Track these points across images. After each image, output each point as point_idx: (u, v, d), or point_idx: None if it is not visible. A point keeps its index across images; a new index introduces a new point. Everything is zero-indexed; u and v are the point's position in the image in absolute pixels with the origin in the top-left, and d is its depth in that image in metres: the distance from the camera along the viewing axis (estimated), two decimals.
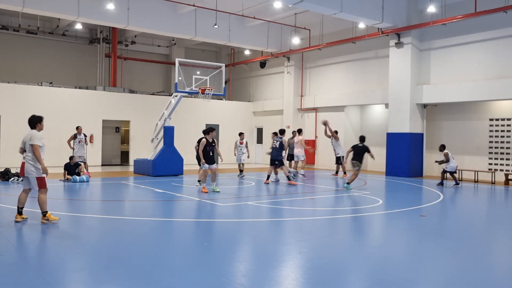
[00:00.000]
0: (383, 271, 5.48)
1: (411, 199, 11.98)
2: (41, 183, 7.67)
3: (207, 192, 11.82)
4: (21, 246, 6.17)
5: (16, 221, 7.73)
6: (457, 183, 14.83)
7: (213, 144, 12.13)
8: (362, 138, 13.50)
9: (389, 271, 5.50)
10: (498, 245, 7.22)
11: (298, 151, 16.19)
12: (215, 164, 12.42)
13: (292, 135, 17.17)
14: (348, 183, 13.24)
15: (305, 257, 5.97)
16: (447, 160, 14.76)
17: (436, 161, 15.37)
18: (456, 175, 15.34)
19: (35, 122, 7.76)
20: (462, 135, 17.72)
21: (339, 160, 17.34)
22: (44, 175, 7.67)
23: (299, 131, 16.70)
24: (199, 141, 14.34)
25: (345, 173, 17.20)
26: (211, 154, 12.04)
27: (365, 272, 5.49)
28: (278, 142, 14.63)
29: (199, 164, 14.00)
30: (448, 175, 15.04)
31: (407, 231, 7.90)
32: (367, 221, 8.84)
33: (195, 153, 14.54)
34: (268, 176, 14.61)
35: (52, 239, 6.74)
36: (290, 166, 16.63)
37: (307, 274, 5.31)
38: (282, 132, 15.05)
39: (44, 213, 7.72)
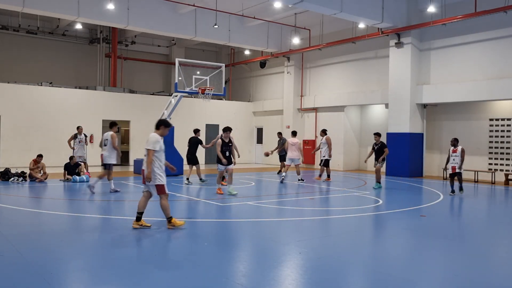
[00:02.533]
0: (383, 271, 5.48)
1: (411, 199, 11.98)
2: (161, 189, 7.32)
3: (222, 194, 11.54)
4: (21, 246, 6.16)
5: (133, 227, 7.35)
6: (461, 189, 12.56)
7: (230, 144, 11.78)
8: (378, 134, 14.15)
9: (389, 271, 5.50)
10: (498, 245, 7.22)
11: (296, 154, 15.43)
12: (231, 165, 11.78)
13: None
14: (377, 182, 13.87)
15: (305, 257, 5.97)
16: (463, 159, 12.17)
17: (455, 169, 12.21)
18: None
19: (159, 124, 7.48)
20: (462, 135, 17.68)
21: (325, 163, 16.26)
22: (162, 183, 7.32)
23: (294, 133, 16.27)
24: (190, 141, 14.67)
25: (328, 176, 16.08)
26: (227, 154, 11.63)
27: (365, 272, 5.49)
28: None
29: (190, 164, 14.33)
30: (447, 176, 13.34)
31: (407, 231, 7.89)
32: (367, 221, 8.83)
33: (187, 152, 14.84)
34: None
35: (52, 239, 6.73)
36: (283, 166, 16.46)
37: (307, 274, 5.31)
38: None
39: (169, 219, 7.42)
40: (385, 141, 18.88)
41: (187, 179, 13.98)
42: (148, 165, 7.22)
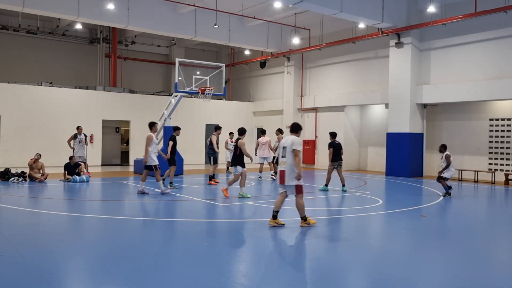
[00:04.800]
0: (383, 271, 5.48)
1: (411, 199, 11.97)
2: (299, 189, 7.56)
3: (228, 197, 11.08)
4: (21, 246, 6.16)
5: (270, 225, 7.63)
6: (448, 193, 12.16)
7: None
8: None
9: (389, 271, 5.50)
10: (498, 245, 7.22)
11: (267, 153, 15.79)
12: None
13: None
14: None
15: (305, 257, 5.97)
16: (448, 164, 12.07)
17: (440, 176, 12.21)
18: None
19: (298, 128, 7.78)
20: (462, 135, 17.72)
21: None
22: (301, 183, 7.56)
23: (263, 132, 16.63)
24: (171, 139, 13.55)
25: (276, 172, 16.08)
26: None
27: (365, 272, 5.49)
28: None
29: (170, 164, 13.17)
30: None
31: (407, 231, 7.89)
32: (367, 221, 8.83)
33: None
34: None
35: (52, 239, 6.74)
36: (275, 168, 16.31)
37: (307, 274, 5.31)
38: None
39: (304, 218, 7.68)
40: (385, 141, 18.94)
41: (171, 183, 13.21)
42: (298, 166, 7.46)
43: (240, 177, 10.98)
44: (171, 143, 13.00)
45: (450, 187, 12.22)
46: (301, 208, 7.65)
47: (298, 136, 7.71)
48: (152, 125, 11.80)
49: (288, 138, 7.65)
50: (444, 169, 12.08)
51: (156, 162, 11.45)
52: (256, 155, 16.13)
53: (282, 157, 7.60)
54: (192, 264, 5.56)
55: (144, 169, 11.48)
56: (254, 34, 22.10)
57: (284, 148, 7.59)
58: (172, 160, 12.95)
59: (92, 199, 11.38)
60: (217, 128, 14.51)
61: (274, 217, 7.68)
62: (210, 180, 14.26)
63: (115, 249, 6.27)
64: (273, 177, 15.84)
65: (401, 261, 6.07)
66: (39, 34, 23.40)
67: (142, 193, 11.42)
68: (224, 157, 17.33)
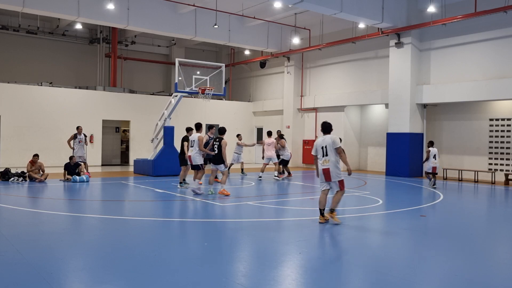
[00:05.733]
0: (383, 271, 5.48)
1: (411, 199, 11.98)
2: (343, 185, 8.10)
3: (229, 194, 11.41)
4: (21, 246, 6.16)
5: (320, 222, 8.02)
6: (434, 184, 14.04)
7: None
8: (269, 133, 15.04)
9: (389, 271, 5.50)
10: (498, 245, 7.22)
11: (272, 153, 16.10)
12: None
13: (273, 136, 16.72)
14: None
15: (305, 257, 5.97)
16: (426, 159, 14.21)
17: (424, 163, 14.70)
18: (434, 175, 14.25)
19: (331, 128, 8.34)
20: (462, 135, 17.72)
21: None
22: (342, 178, 8.08)
23: (269, 133, 16.75)
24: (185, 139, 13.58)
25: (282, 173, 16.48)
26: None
27: (365, 272, 5.49)
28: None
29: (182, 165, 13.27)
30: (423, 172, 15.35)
31: (407, 231, 7.89)
32: (367, 221, 8.83)
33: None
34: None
35: (52, 239, 6.74)
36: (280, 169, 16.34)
37: (307, 274, 5.31)
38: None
39: (332, 210, 8.08)
40: (385, 141, 18.93)
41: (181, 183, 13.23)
42: (346, 161, 8.12)
43: (227, 173, 11.81)
44: (185, 143, 13.12)
45: (430, 179, 14.24)
46: (337, 202, 8.12)
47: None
48: (199, 127, 12.01)
49: (326, 138, 8.15)
50: (423, 162, 14.60)
51: (201, 162, 11.78)
52: (263, 156, 16.45)
53: (324, 156, 8.05)
54: (192, 264, 5.56)
55: (192, 168, 11.94)
56: (254, 34, 22.10)
57: (323, 147, 8.06)
58: (184, 160, 13.00)
59: (92, 199, 11.38)
60: (210, 127, 13.91)
61: (322, 214, 8.11)
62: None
63: (115, 249, 6.27)
64: (277, 177, 15.88)
65: (400, 261, 6.07)
66: (39, 34, 23.40)
67: (196, 193, 11.41)
68: (235, 158, 17.12)
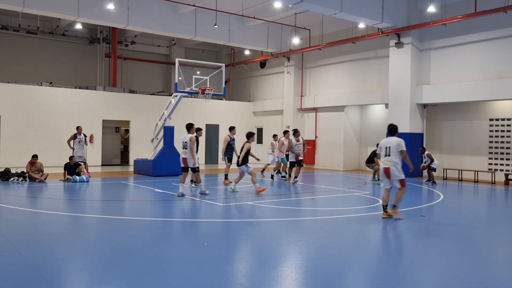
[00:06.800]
0: (383, 271, 5.48)
1: (411, 199, 11.96)
2: (403, 183, 8.59)
3: (265, 189, 12.17)
4: (21, 246, 6.16)
5: (383, 217, 8.59)
6: (434, 182, 15.30)
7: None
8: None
9: (389, 271, 5.50)
10: (498, 245, 7.22)
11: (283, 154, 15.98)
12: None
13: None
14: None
15: (305, 257, 5.97)
16: (432, 160, 15.48)
17: (424, 166, 15.61)
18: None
19: (396, 129, 8.78)
20: (462, 135, 17.72)
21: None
22: (403, 177, 8.55)
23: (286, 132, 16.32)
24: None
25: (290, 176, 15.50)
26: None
27: (365, 272, 5.49)
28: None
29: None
30: (425, 171, 15.94)
31: (407, 231, 7.90)
32: (367, 221, 8.83)
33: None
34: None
35: (52, 239, 6.74)
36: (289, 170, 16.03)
37: (307, 274, 5.31)
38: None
39: (394, 206, 8.61)
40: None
41: (193, 181, 13.30)
42: (409, 161, 8.61)
43: (254, 173, 12.06)
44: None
45: (434, 182, 15.32)
46: (399, 199, 8.62)
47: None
48: (190, 127, 11.58)
49: (391, 139, 8.61)
50: (430, 163, 15.49)
51: (197, 165, 11.44)
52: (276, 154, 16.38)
53: (386, 156, 8.56)
54: (192, 264, 5.56)
55: (191, 171, 11.44)
56: (254, 34, 22.10)
57: (387, 148, 8.55)
58: None
59: (92, 199, 11.38)
60: (231, 128, 14.65)
61: (385, 210, 8.65)
62: (225, 179, 14.51)
63: (115, 249, 6.27)
64: (284, 177, 15.72)
65: (401, 261, 6.07)
66: (39, 34, 23.39)
67: (204, 193, 11.44)
68: (270, 159, 17.08)
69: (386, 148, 8.60)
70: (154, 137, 17.80)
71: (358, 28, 19.78)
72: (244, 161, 12.12)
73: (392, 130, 8.80)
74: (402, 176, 8.53)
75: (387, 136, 8.86)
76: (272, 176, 16.04)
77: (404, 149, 8.52)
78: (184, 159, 11.19)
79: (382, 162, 8.61)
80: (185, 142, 11.23)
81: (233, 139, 14.47)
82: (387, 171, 8.53)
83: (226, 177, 14.57)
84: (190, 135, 11.35)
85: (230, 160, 14.53)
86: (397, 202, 8.64)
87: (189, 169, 11.29)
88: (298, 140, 14.86)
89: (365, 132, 21.82)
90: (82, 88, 21.92)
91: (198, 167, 11.40)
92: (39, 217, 8.65)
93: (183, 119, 22.05)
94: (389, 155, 8.52)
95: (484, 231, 8.28)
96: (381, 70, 19.64)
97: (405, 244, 7.03)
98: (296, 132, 15.01)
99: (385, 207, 8.65)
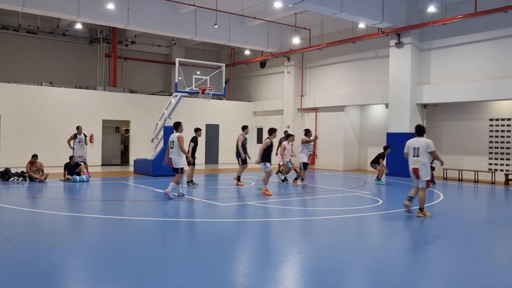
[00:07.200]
0: (383, 271, 5.48)
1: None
2: (428, 184, 8.87)
3: (271, 194, 11.53)
4: (21, 246, 6.16)
5: (418, 216, 8.82)
6: (434, 182, 15.07)
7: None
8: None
9: (389, 271, 5.50)
10: (498, 246, 7.22)
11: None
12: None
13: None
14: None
15: (305, 257, 5.97)
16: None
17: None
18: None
19: (424, 130, 8.98)
20: (462, 135, 17.72)
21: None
22: (430, 178, 8.85)
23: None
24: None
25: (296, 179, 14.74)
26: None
27: (365, 272, 5.49)
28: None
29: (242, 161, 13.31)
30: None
31: (407, 231, 7.89)
32: (367, 221, 8.83)
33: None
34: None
35: (52, 239, 6.74)
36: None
37: (307, 274, 5.31)
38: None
39: (421, 209, 8.83)
40: (385, 141, 18.92)
41: (189, 181, 13.31)
42: (439, 157, 8.89)
43: (270, 173, 11.82)
44: (191, 144, 13.11)
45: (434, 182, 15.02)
46: (423, 200, 8.83)
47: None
48: (177, 126, 11.21)
49: (420, 140, 8.77)
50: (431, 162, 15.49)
51: (182, 166, 10.97)
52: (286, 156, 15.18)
53: (414, 156, 8.74)
54: (192, 264, 5.55)
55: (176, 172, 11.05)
56: (254, 34, 22.10)
57: (416, 148, 8.72)
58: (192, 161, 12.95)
59: (92, 199, 11.38)
60: (244, 128, 13.96)
61: (421, 209, 8.92)
62: (238, 180, 13.72)
63: (115, 249, 6.27)
64: (285, 180, 14.81)
65: (400, 261, 6.06)
66: (39, 34, 23.39)
67: (182, 195, 11.15)
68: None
69: (414, 148, 8.75)
70: (154, 137, 17.80)
71: (358, 28, 19.78)
72: (263, 158, 11.75)
73: (419, 131, 8.90)
74: (429, 177, 8.77)
75: (414, 137, 8.98)
76: (283, 180, 14.96)
77: (434, 149, 8.68)
78: (171, 159, 10.85)
79: (411, 163, 8.78)
80: (172, 141, 10.91)
81: (246, 139, 13.84)
82: (416, 172, 8.69)
83: (239, 179, 13.67)
84: (177, 134, 10.99)
85: (244, 162, 13.62)
86: (423, 203, 8.85)
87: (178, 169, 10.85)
88: (309, 140, 14.21)
89: (365, 132, 21.82)
90: (82, 88, 21.92)
91: (182, 169, 10.91)
92: (39, 217, 8.65)
93: (183, 119, 21.95)
94: (417, 156, 8.66)
95: (484, 232, 8.27)
96: (381, 70, 19.64)
97: (405, 244, 7.03)
98: (308, 132, 14.39)
99: (421, 209, 8.90)
